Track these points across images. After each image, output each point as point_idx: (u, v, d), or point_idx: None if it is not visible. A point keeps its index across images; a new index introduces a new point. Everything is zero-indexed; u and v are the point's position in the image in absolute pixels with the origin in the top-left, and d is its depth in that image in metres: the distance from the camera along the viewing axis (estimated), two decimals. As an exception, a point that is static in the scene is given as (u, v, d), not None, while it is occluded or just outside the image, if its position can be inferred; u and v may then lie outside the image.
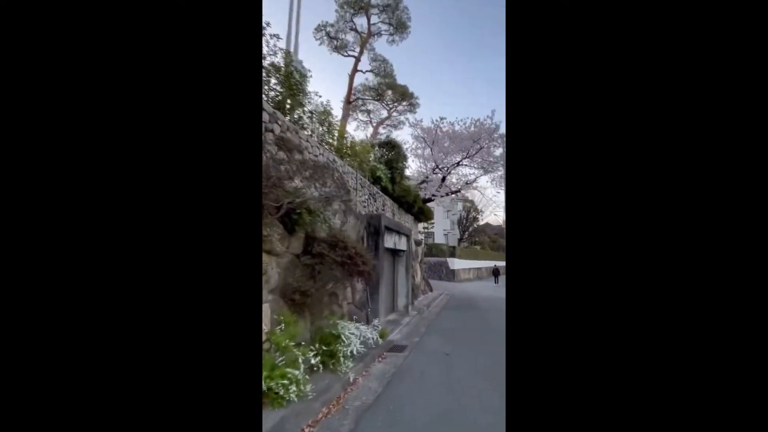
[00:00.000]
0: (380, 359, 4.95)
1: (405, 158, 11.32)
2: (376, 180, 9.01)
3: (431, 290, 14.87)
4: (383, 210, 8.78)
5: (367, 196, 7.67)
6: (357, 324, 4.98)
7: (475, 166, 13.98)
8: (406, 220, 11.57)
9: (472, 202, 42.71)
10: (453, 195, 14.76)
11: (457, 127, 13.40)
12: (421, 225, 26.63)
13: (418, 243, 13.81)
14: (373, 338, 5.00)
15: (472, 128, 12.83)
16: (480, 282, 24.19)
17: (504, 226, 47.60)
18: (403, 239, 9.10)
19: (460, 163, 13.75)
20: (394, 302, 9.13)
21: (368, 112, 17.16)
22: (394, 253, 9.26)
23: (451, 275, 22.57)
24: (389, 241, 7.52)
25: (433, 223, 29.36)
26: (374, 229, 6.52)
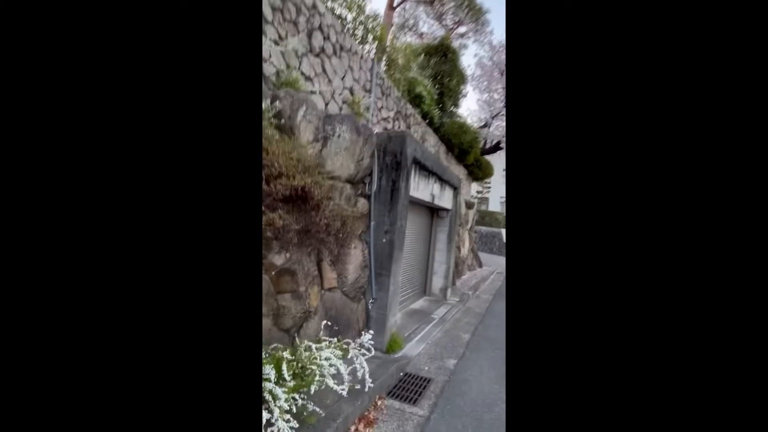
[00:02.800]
0: (360, 428, 2.26)
1: (463, 78, 7.82)
2: (414, 100, 5.92)
3: (480, 266, 11.83)
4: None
5: (393, 114, 4.66)
6: (311, 345, 2.26)
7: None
8: (457, 171, 8.42)
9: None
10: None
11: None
12: (475, 187, 22.96)
13: (469, 205, 10.64)
14: (349, 376, 2.29)
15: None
16: (539, 260, 20.29)
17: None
18: (448, 192, 6.07)
19: (541, 98, 9.88)
20: (427, 283, 6.35)
21: (421, 35, 13.33)
22: (434, 211, 6.32)
23: (505, 249, 19.12)
24: (422, 188, 4.58)
25: (489, 187, 25.26)
26: (393, 160, 3.61)
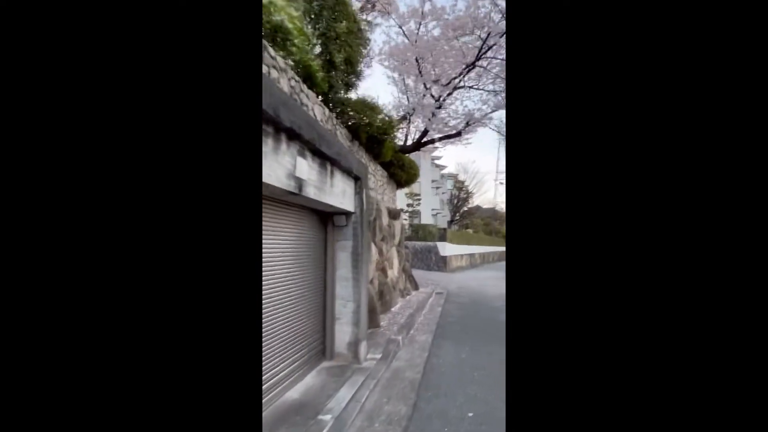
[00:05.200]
0: None
1: (356, 22, 5.64)
2: (273, 36, 3.55)
3: (416, 288, 9.65)
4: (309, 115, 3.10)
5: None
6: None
7: (490, 87, 8.43)
8: (373, 170, 6.19)
9: (462, 182, 37.79)
10: (456, 137, 9.15)
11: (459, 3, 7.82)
12: (404, 200, 21.19)
13: (394, 215, 8.49)
14: None
15: (483, 11, 7.26)
16: (476, 271, 18.97)
17: (496, 209, 43.44)
18: (341, 182, 3.71)
19: (462, 80, 8.27)
20: (325, 339, 3.79)
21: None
22: (325, 218, 3.87)
23: (442, 263, 17.44)
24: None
25: (419, 200, 24.00)
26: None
